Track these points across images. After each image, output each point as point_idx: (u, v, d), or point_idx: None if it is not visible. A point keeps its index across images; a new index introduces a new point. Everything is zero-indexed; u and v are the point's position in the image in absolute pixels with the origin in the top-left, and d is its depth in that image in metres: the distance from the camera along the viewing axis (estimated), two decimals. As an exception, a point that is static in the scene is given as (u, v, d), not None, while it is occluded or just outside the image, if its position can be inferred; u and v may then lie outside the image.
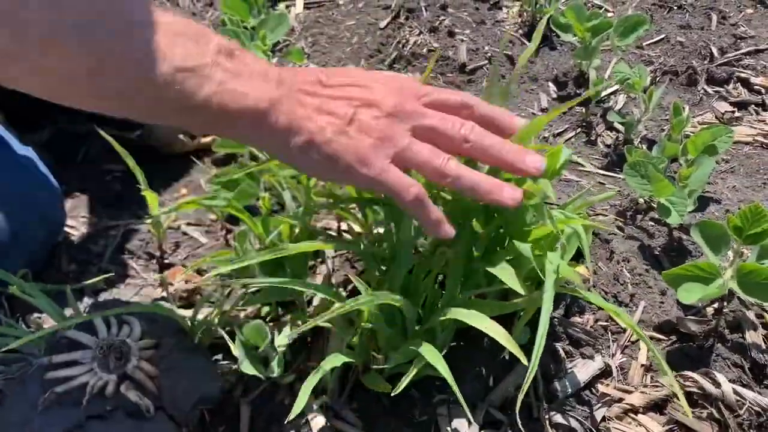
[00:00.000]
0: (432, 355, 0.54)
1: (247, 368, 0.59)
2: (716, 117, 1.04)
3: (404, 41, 1.15)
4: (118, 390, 0.54)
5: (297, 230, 0.67)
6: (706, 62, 1.13)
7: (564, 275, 0.55)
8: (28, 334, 0.60)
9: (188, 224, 0.82)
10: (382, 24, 1.21)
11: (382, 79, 0.57)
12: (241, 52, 0.51)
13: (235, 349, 0.59)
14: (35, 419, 0.54)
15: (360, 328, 0.57)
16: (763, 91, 1.09)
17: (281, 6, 1.29)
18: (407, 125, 0.54)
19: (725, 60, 1.13)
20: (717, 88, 1.10)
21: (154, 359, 0.57)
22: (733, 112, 1.04)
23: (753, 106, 1.07)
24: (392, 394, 0.59)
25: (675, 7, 1.25)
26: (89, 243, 0.80)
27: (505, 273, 0.54)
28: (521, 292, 0.53)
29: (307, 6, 1.30)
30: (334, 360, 0.55)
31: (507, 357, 0.65)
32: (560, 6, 1.21)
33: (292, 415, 0.51)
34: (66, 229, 0.80)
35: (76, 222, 0.83)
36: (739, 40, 1.18)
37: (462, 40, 1.16)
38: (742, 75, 1.11)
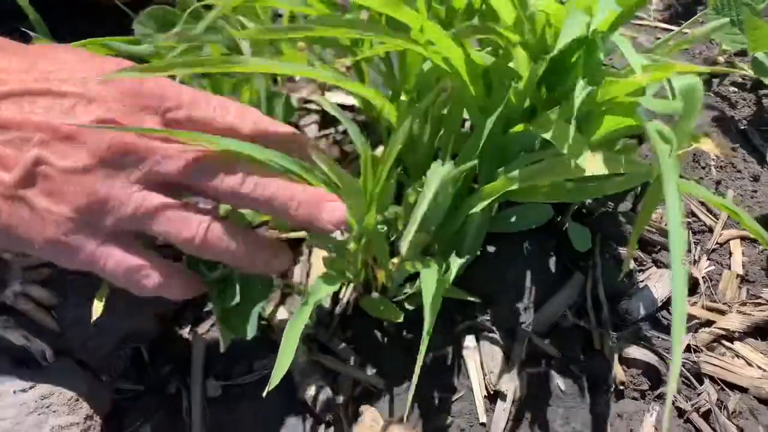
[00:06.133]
0: (428, 288, 0.36)
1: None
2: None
3: None
4: (-7, 327, 0.37)
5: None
6: None
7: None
8: None
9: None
10: None
11: (95, 70, 0.35)
12: None
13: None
14: None
15: (355, 240, 0.39)
16: None
17: None
18: (134, 174, 0.34)
19: None
20: None
21: (52, 280, 0.39)
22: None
23: None
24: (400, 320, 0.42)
25: None
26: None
27: (562, 133, 0.34)
28: (577, 157, 0.32)
29: None
30: (322, 288, 0.37)
31: (554, 268, 0.48)
32: None
33: (272, 383, 0.34)
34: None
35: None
36: None
37: None
38: None
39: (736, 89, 0.64)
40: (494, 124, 0.38)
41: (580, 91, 0.31)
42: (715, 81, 0.66)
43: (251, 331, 0.39)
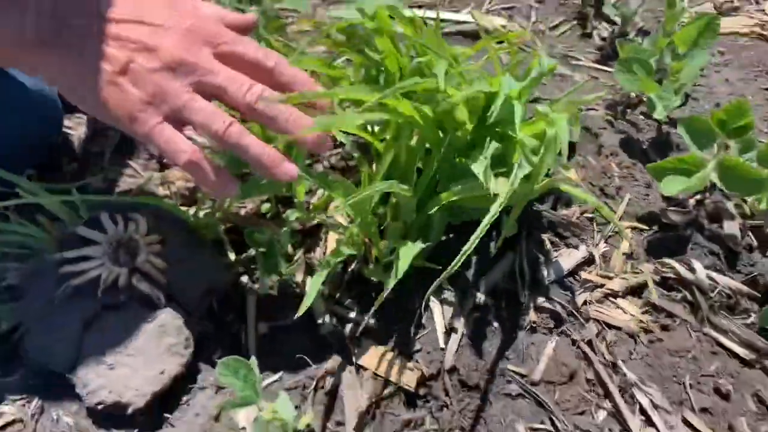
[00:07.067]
0: (405, 257, 0.56)
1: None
2: (714, 7, 1.03)
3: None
4: (130, 282, 0.58)
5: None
6: (709, -52, 1.09)
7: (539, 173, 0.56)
8: (38, 233, 0.63)
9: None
10: None
11: (175, 14, 0.51)
12: None
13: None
14: (54, 311, 0.58)
15: (356, 226, 0.60)
16: (765, -22, 1.07)
17: None
18: (188, 80, 0.50)
19: (729, -55, 1.09)
20: (718, -24, 1.07)
21: (162, 253, 0.60)
22: (732, 1, 1.02)
23: (754, -6, 1.05)
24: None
25: None
26: (88, 143, 0.81)
27: (478, 166, 0.55)
28: (487, 184, 0.53)
29: None
30: (340, 253, 0.58)
31: (494, 250, 0.68)
32: None
33: (302, 310, 0.54)
34: (65, 129, 0.81)
35: (73, 122, 0.84)
36: (744, -77, 1.13)
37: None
38: (746, -39, 1.08)
39: (643, 117, 0.85)
40: (447, 152, 0.59)
41: (488, 147, 0.53)
42: (629, 110, 0.87)
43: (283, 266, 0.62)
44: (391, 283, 0.54)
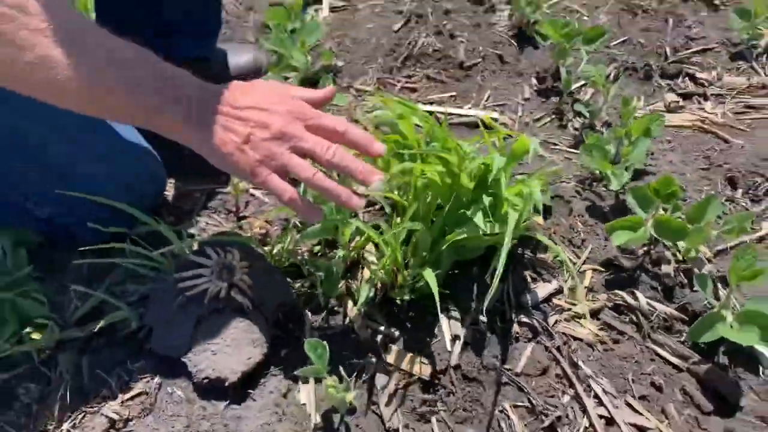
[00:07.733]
0: (430, 277, 0.80)
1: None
2: (665, 106, 1.30)
3: (414, 42, 1.41)
4: (228, 294, 0.81)
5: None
6: (661, 60, 1.39)
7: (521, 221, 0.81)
8: (160, 259, 0.87)
9: (254, 187, 1.08)
10: (396, 27, 1.46)
11: (278, 102, 0.73)
12: (178, 78, 0.72)
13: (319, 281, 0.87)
14: (173, 314, 0.81)
15: (388, 257, 0.84)
16: (705, 84, 1.35)
17: (310, 10, 1.54)
18: (288, 145, 0.71)
19: (677, 58, 1.39)
20: (668, 81, 1.36)
21: (250, 275, 0.84)
22: (678, 101, 1.30)
23: (696, 96, 1.33)
24: (409, 303, 0.87)
25: (639, 12, 1.51)
26: (180, 202, 1.07)
27: (478, 216, 0.80)
28: (485, 229, 0.78)
29: (332, 10, 1.55)
30: (375, 277, 0.82)
31: (489, 280, 0.92)
32: (545, 10, 1.46)
33: (359, 303, 0.78)
34: (162, 191, 1.07)
35: (168, 186, 1.10)
36: (690, 41, 1.43)
37: (461, 42, 1.41)
38: (690, 70, 1.36)
39: (604, 189, 1.11)
40: (452, 205, 0.84)
41: (479, 206, 0.78)
42: (595, 183, 1.12)
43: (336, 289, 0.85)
44: (437, 296, 0.76)
